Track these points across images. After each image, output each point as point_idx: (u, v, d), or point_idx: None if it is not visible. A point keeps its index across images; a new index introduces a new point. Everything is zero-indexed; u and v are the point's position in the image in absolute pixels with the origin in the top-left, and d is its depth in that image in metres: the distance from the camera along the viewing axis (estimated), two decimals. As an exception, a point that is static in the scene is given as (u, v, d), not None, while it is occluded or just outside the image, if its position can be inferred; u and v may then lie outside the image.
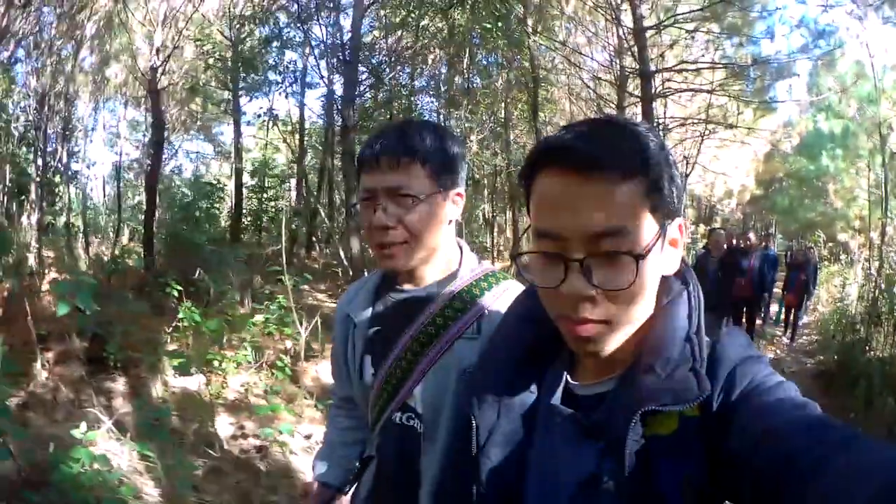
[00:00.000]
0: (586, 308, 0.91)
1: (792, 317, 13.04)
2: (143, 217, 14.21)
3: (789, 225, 29.66)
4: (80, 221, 14.18)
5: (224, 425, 5.59)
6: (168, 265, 10.41)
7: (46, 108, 11.22)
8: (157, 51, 10.49)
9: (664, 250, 0.95)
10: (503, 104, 14.45)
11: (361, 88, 11.68)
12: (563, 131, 0.96)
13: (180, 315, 6.78)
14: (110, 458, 4.28)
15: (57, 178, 12.88)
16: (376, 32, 13.37)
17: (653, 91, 10.39)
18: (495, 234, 17.40)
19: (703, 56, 12.58)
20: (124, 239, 14.28)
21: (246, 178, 16.51)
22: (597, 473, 0.93)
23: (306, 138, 17.23)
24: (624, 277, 0.88)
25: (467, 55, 13.15)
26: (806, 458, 0.71)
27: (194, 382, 6.17)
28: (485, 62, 14.23)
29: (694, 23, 11.21)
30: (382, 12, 12.61)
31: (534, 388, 1.11)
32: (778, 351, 11.74)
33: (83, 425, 4.23)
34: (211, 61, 12.77)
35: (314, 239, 17.24)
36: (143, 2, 10.70)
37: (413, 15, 12.23)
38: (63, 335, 6.40)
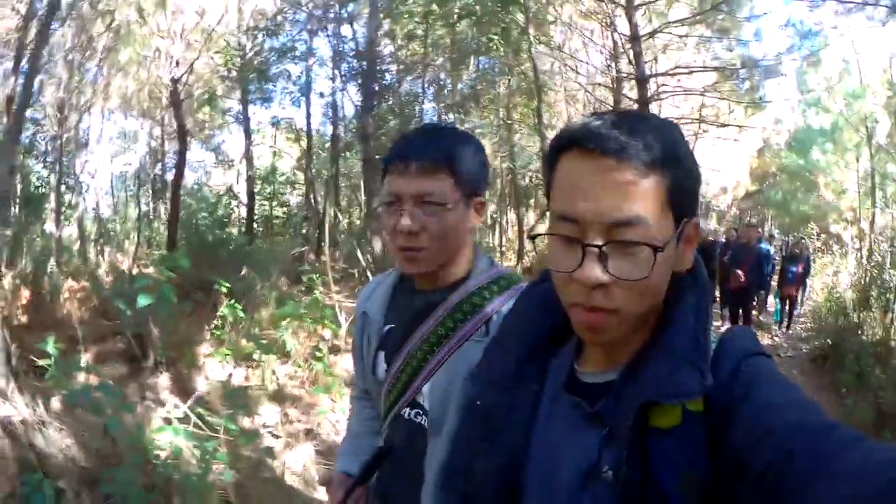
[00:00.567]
0: (598, 296, 0.91)
1: (788, 308, 13.19)
2: (152, 224, 14.64)
3: (783, 218, 29.70)
4: (91, 230, 14.42)
5: (270, 413, 5.97)
6: (196, 267, 10.75)
7: (60, 119, 11.51)
8: (177, 63, 10.88)
9: (679, 247, 0.96)
10: (506, 109, 14.78)
11: (376, 99, 12.06)
12: (591, 117, 0.97)
13: (223, 311, 7.09)
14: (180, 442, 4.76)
15: (63, 188, 13.06)
16: (387, 42, 13.70)
17: (648, 94, 10.80)
18: (500, 234, 17.75)
19: (694, 61, 13.00)
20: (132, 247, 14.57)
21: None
22: (598, 461, 0.94)
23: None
24: (640, 268, 0.89)
25: (472, 62, 13.55)
26: (807, 458, 0.72)
27: (236, 375, 6.51)
28: (485, 68, 14.54)
29: (686, 27, 11.70)
30: (395, 26, 12.88)
31: (540, 374, 1.13)
32: (775, 338, 12.09)
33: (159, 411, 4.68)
34: (226, 72, 13.13)
35: (322, 243, 17.67)
36: (163, 16, 10.99)
37: (421, 28, 12.60)
38: (99, 336, 6.80)
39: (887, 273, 10.79)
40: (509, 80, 14.46)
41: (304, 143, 16.71)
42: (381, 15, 10.84)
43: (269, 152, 19.05)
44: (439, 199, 1.50)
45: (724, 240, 11.77)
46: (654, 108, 11.95)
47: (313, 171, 16.71)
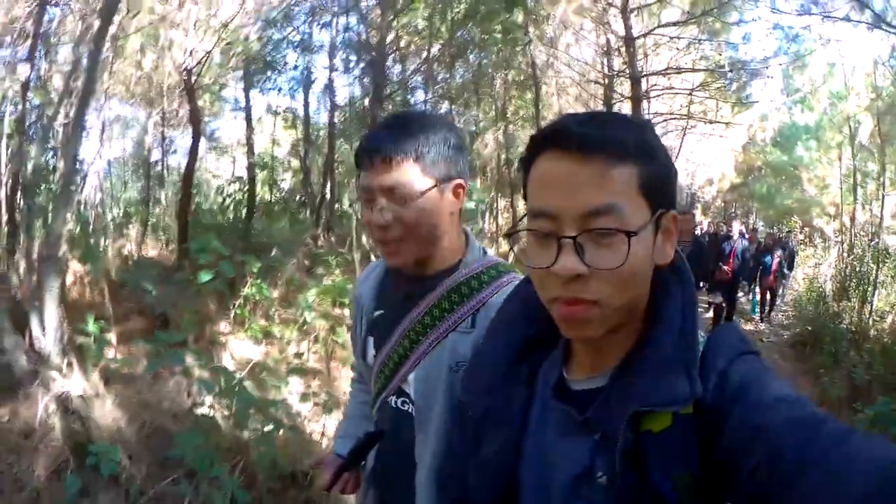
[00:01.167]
0: (577, 288, 0.91)
1: (769, 298, 13.52)
2: (150, 210, 14.95)
3: (767, 211, 29.95)
4: (89, 214, 14.59)
5: (295, 385, 6.31)
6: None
7: (65, 106, 11.67)
8: (191, 53, 11.09)
9: (657, 240, 0.96)
10: (503, 101, 15.17)
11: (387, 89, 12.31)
12: (564, 117, 0.98)
13: (248, 291, 7.33)
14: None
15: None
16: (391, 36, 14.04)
17: (641, 92, 11.26)
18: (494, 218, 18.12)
19: (683, 56, 13.33)
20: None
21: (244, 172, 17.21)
22: (590, 467, 0.93)
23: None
24: (616, 257, 0.89)
25: (471, 56, 14.00)
26: (798, 454, 0.72)
27: (258, 352, 6.86)
28: (483, 62, 14.84)
29: (678, 28, 12.12)
30: (404, 18, 13.10)
31: (529, 381, 1.12)
32: (759, 325, 12.60)
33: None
34: (234, 62, 13.36)
35: (331, 227, 17.92)
36: (178, 6, 11.13)
37: (428, 25, 12.99)
38: (121, 316, 7.00)
39: (866, 266, 11.37)
40: (506, 73, 14.79)
41: (300, 131, 16.98)
42: (392, 9, 11.20)
43: (265, 139, 19.19)
44: (407, 189, 1.49)
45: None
46: (644, 104, 12.31)
47: (309, 158, 16.96)
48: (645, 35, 11.63)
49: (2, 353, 5.28)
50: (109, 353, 6.03)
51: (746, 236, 12.92)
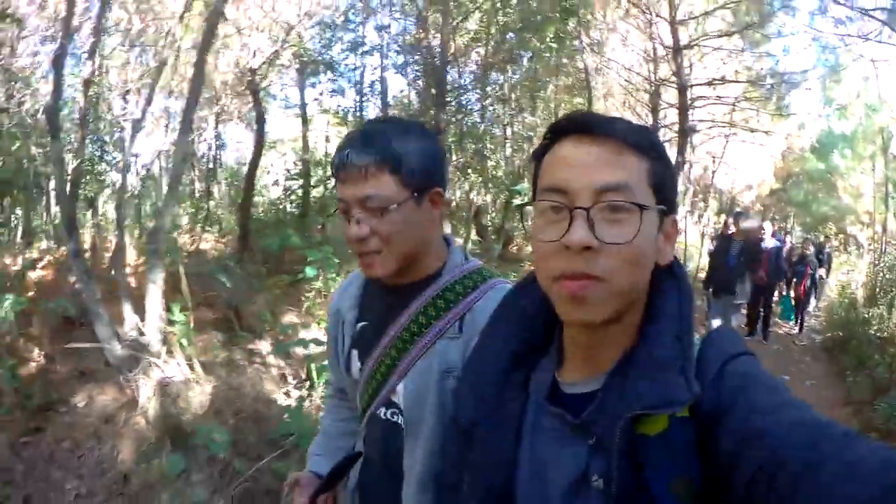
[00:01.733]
0: (585, 261, 0.91)
1: (799, 307, 13.07)
2: (200, 204, 15.45)
3: (804, 217, 30.13)
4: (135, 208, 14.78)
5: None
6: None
7: (126, 101, 11.69)
8: (254, 53, 11.58)
9: (659, 239, 0.98)
10: (554, 105, 15.48)
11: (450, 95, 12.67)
12: (579, 112, 1.02)
13: (319, 284, 7.63)
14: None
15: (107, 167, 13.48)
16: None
17: (687, 101, 11.71)
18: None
19: (726, 68, 13.75)
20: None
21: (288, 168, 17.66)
22: (586, 472, 0.94)
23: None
24: (626, 232, 0.90)
25: (525, 61, 14.38)
26: (802, 458, 0.72)
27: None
28: (535, 67, 15.02)
29: (722, 39, 12.56)
30: (464, 24, 13.43)
31: (522, 386, 1.11)
32: (791, 330, 12.71)
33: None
34: (293, 62, 13.73)
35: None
36: (243, 10, 11.42)
37: (485, 33, 13.39)
38: (194, 306, 7.20)
39: (895, 273, 11.75)
40: (557, 79, 15.04)
41: (351, 127, 17.47)
42: (454, 17, 11.57)
43: (316, 136, 19.45)
44: (382, 201, 1.45)
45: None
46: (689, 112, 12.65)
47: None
48: (690, 46, 12.02)
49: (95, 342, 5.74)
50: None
51: (781, 239, 13.11)
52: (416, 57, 13.87)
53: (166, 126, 14.41)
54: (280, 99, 17.46)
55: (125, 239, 7.71)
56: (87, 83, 8.65)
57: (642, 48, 13.79)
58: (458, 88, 13.76)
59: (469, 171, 15.36)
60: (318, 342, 5.42)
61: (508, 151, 15.63)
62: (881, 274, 12.69)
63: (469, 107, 14.50)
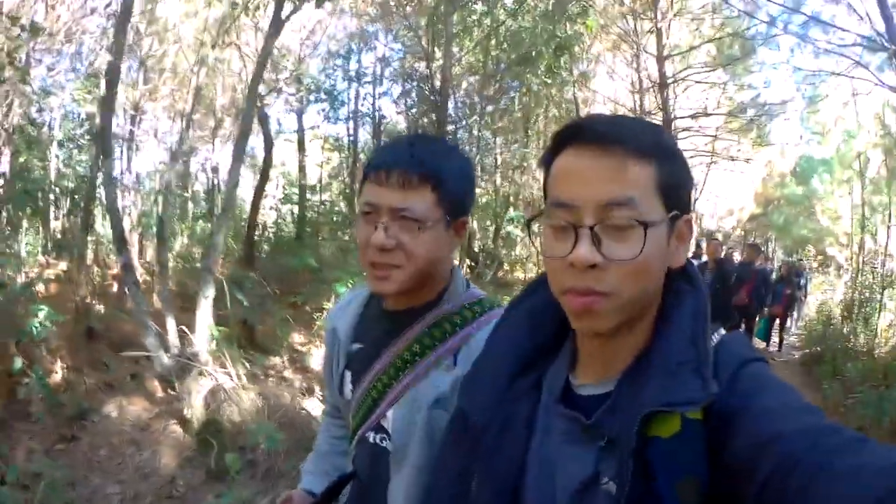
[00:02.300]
0: (592, 279, 0.90)
1: (778, 327, 13.45)
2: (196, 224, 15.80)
3: (785, 241, 30.63)
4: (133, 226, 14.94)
5: None
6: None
7: (132, 119, 12.12)
8: (262, 80, 11.88)
9: (671, 242, 0.96)
10: (544, 138, 15.65)
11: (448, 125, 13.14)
12: (586, 117, 1.01)
13: (330, 304, 7.93)
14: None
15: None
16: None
17: (674, 133, 12.09)
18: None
19: (708, 99, 14.39)
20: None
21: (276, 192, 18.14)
22: (597, 474, 0.93)
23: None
24: (631, 248, 0.89)
25: (514, 94, 14.91)
26: (810, 461, 0.72)
27: None
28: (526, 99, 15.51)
29: (704, 73, 13.22)
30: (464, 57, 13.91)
31: (534, 387, 1.10)
32: (769, 348, 12.97)
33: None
34: (303, 91, 14.20)
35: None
36: (246, 41, 11.81)
37: (481, 65, 13.90)
38: None
39: (870, 290, 12.40)
40: (546, 109, 15.62)
41: (343, 154, 17.86)
42: (456, 52, 12.00)
43: (298, 161, 19.75)
44: (418, 215, 1.39)
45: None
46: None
47: (357, 180, 17.49)
48: (675, 82, 12.61)
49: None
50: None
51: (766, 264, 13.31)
52: (411, 86, 14.53)
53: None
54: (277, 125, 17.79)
55: (132, 256, 7.89)
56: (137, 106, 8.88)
57: (629, 80, 14.37)
58: (457, 120, 14.33)
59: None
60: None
61: (498, 180, 16.07)
62: (856, 291, 13.26)
63: (463, 136, 15.00)
